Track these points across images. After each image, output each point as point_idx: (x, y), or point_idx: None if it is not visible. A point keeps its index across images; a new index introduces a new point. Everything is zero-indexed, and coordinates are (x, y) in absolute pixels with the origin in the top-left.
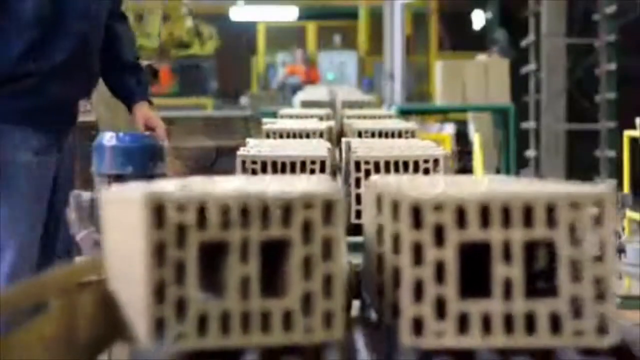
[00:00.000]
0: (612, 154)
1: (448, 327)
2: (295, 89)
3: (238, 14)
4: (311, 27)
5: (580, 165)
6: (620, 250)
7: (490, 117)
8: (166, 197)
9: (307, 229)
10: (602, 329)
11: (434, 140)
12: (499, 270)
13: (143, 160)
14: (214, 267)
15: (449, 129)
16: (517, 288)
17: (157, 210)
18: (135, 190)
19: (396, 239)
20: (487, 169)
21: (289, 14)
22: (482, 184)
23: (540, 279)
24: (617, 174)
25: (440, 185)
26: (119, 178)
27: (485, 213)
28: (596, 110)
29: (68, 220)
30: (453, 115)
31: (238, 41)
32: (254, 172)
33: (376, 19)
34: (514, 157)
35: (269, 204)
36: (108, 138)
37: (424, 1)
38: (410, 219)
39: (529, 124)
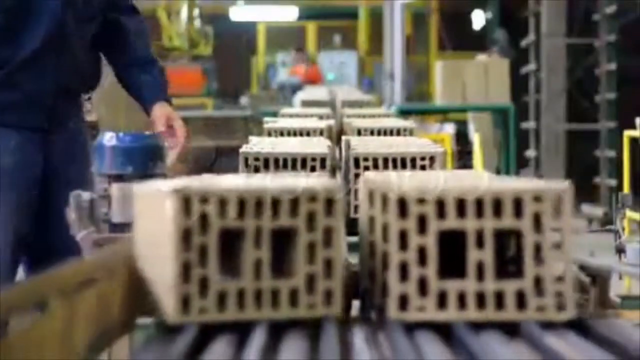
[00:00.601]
0: (612, 154)
1: (429, 303)
2: (295, 89)
3: (238, 14)
4: (311, 27)
5: (580, 165)
6: (620, 250)
7: (490, 117)
8: (192, 191)
9: (311, 219)
10: (560, 306)
11: (433, 140)
12: (473, 255)
13: (143, 160)
14: (232, 251)
15: (449, 129)
16: (488, 270)
17: (185, 202)
18: (164, 186)
19: (385, 228)
20: (487, 169)
21: (289, 14)
22: (464, 180)
23: (510, 263)
24: (617, 174)
25: (428, 181)
26: (119, 178)
27: (461, 205)
28: (596, 110)
29: (68, 220)
30: (453, 115)
31: (238, 41)
32: (256, 168)
33: (376, 19)
34: (514, 157)
35: (279, 197)
36: (108, 138)
37: (424, 1)
38: (397, 210)
39: (529, 124)
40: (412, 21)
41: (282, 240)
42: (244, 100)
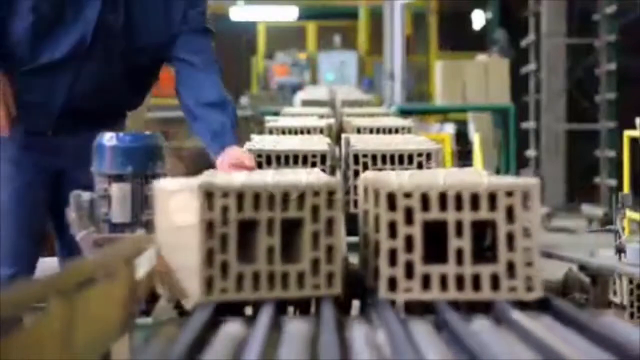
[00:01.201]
0: (612, 154)
1: (415, 284)
2: (295, 88)
3: (238, 14)
4: (311, 27)
5: (580, 165)
6: (620, 250)
7: (490, 117)
8: (215, 187)
9: (315, 211)
10: (530, 287)
11: (433, 140)
12: (453, 243)
13: (143, 160)
14: (248, 240)
15: (449, 129)
16: (466, 256)
17: (208, 196)
18: (184, 183)
19: (377, 219)
20: (487, 169)
21: (289, 14)
22: (457, 177)
23: (486, 250)
24: (617, 174)
25: (420, 178)
26: (119, 178)
27: (443, 199)
28: (596, 110)
29: (68, 221)
30: (453, 115)
31: (238, 41)
32: (259, 164)
33: (376, 19)
34: (514, 157)
35: (288, 192)
36: (108, 138)
37: (424, 1)
38: (387, 203)
39: (529, 124)
40: (412, 21)
41: (290, 230)
42: (244, 100)
